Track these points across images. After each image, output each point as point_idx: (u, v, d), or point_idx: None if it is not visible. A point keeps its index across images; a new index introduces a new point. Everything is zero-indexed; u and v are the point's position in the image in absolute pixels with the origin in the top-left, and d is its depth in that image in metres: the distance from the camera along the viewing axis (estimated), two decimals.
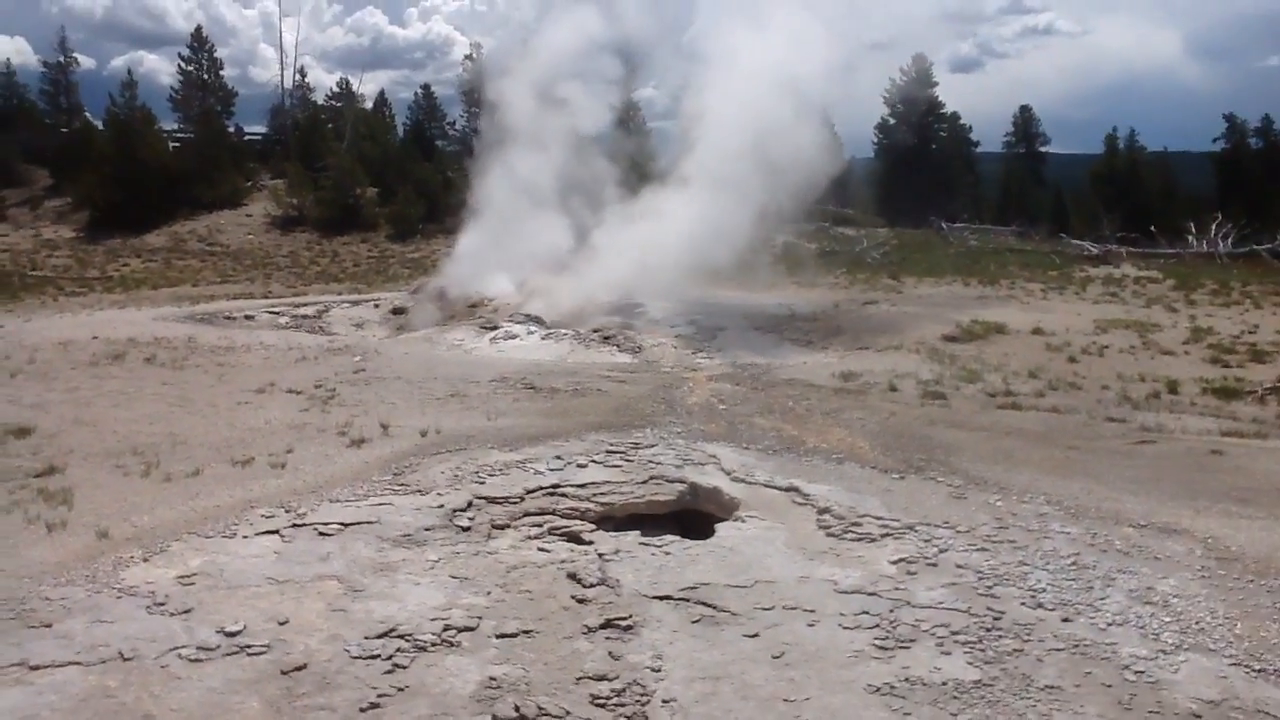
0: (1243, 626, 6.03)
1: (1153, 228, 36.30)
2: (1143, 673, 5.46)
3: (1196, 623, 6.08)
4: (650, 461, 9.38)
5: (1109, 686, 5.31)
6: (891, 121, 58.01)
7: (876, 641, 5.78)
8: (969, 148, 62.18)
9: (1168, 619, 6.14)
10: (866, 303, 23.03)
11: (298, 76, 59.46)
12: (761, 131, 21.17)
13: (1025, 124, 65.64)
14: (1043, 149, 66.79)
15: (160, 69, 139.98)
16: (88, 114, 54.70)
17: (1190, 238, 35.42)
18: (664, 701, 5.11)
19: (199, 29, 56.60)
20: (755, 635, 5.85)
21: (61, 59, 55.13)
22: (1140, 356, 16.16)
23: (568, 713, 4.97)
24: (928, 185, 51.03)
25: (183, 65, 54.99)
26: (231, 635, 5.65)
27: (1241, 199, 44.80)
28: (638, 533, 7.76)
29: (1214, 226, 34.96)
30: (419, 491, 8.38)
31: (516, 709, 4.95)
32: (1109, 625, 6.05)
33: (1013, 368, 14.89)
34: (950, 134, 60.16)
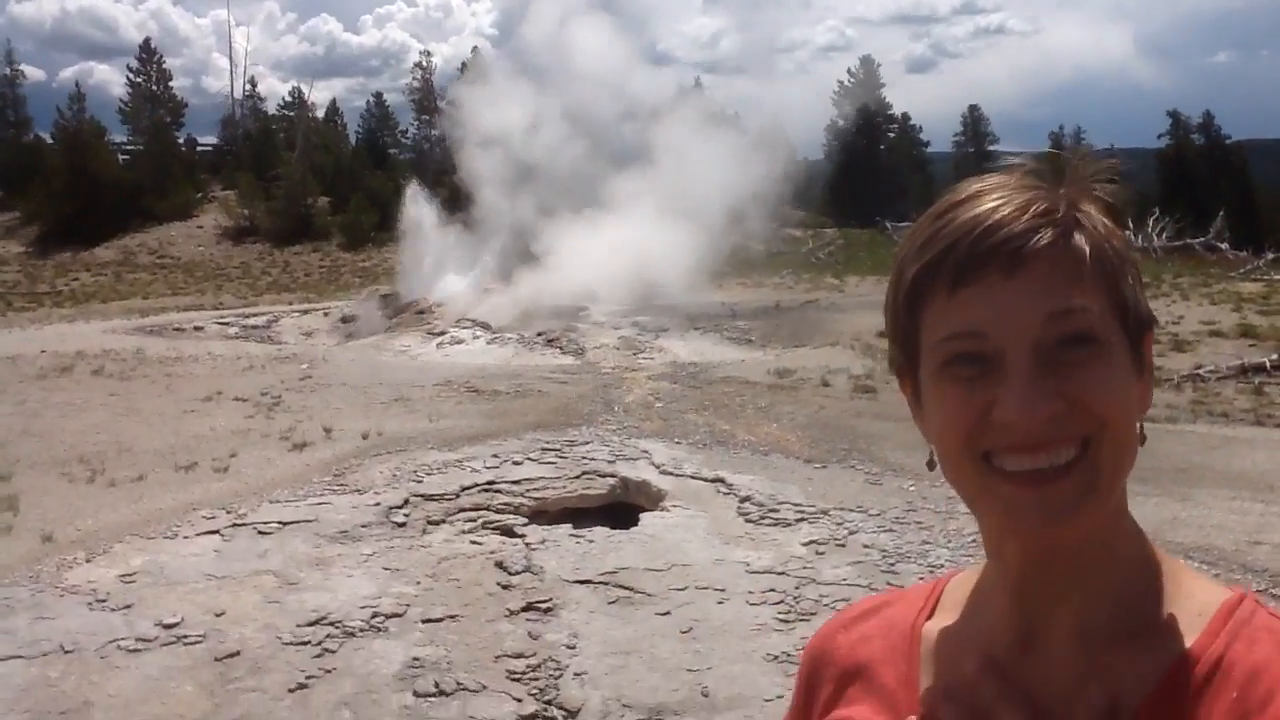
0: None
1: None
2: None
3: None
4: (584, 458, 9.75)
5: None
6: (840, 123, 58.83)
7: (779, 616, 6.18)
8: (919, 148, 63.24)
9: None
10: (807, 301, 23.54)
11: (249, 86, 59.51)
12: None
13: (974, 123, 66.67)
14: (992, 148, 67.85)
15: (112, 80, 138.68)
16: (35, 128, 54.50)
17: (1126, 233, 36.34)
18: (576, 674, 5.48)
19: (148, 40, 56.79)
20: (667, 613, 6.23)
21: (8, 70, 54.77)
22: None
23: (484, 686, 5.33)
24: (877, 185, 51.86)
25: (131, 77, 54.91)
26: (169, 627, 5.96)
27: (1183, 194, 46.03)
28: (569, 525, 8.14)
29: (1150, 221, 35.85)
30: (358, 491, 8.69)
31: (436, 685, 5.30)
32: None
33: None
34: (899, 134, 61.16)
